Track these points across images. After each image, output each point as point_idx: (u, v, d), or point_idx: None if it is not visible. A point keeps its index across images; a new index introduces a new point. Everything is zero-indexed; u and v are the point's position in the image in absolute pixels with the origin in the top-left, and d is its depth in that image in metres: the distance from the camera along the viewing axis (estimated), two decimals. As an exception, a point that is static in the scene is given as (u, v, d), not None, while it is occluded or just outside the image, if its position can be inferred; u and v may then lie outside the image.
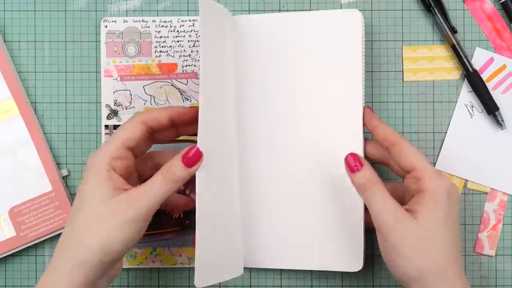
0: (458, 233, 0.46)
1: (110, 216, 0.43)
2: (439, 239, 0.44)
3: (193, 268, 0.56)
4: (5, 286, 0.56)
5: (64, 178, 0.56)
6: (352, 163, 0.46)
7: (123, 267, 0.56)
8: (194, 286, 0.56)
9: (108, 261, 0.43)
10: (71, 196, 0.56)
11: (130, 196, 0.44)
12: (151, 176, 0.45)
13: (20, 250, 0.55)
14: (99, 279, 0.44)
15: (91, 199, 0.44)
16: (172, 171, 0.44)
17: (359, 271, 0.52)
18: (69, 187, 0.56)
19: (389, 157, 0.50)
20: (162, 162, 0.47)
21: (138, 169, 0.49)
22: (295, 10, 0.56)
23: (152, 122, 0.47)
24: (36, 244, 0.56)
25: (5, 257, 0.55)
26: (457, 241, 0.46)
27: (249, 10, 0.56)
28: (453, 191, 0.46)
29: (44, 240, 0.56)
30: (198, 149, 0.45)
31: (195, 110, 0.47)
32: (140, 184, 0.46)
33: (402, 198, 0.50)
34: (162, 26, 0.57)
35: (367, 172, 0.46)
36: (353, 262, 0.53)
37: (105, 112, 0.57)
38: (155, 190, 0.44)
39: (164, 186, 0.44)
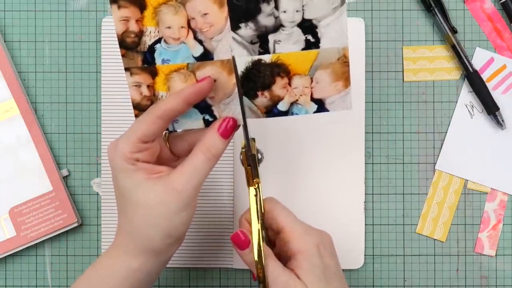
0: (342, 280, 0.45)
1: (163, 207, 0.43)
2: None
3: (193, 268, 0.56)
4: (5, 286, 0.56)
5: (64, 178, 0.56)
6: (240, 240, 0.45)
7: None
8: (194, 286, 0.56)
9: (173, 242, 0.44)
10: (71, 196, 0.56)
11: (176, 184, 0.43)
12: (183, 152, 0.46)
13: (20, 250, 0.55)
14: (164, 255, 0.45)
15: (133, 195, 0.43)
16: (213, 147, 0.44)
17: (360, 270, 0.53)
18: (69, 187, 0.56)
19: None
20: (193, 139, 0.46)
21: (171, 148, 0.48)
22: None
23: (169, 114, 0.45)
24: (36, 244, 0.56)
25: (5, 257, 0.55)
26: None
27: (249, 10, 0.56)
28: (323, 243, 0.45)
29: (44, 240, 0.56)
30: (233, 118, 0.45)
31: (209, 81, 0.45)
32: (175, 161, 0.46)
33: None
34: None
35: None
36: (354, 259, 0.54)
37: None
38: (200, 172, 0.43)
39: (208, 165, 0.44)
